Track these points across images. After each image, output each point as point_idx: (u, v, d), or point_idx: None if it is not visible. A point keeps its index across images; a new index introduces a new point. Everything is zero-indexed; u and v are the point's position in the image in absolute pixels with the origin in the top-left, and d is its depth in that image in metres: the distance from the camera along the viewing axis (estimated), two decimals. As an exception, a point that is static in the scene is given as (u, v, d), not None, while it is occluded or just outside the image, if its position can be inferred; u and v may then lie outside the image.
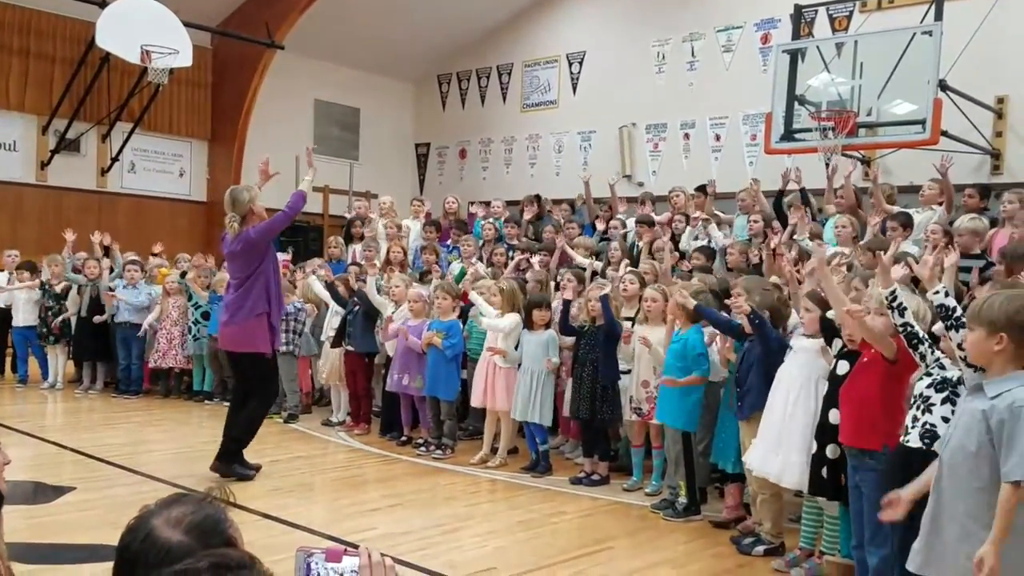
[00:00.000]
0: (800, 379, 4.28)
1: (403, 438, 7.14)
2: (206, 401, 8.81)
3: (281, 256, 7.35)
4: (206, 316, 8.86)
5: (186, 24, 10.70)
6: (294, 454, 6.47)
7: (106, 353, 9.27)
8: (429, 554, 4.39)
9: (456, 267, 8.72)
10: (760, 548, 4.58)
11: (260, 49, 11.94)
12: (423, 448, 6.79)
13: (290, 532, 4.64)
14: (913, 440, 3.07)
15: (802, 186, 7.86)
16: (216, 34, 12.23)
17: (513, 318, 6.41)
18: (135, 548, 1.47)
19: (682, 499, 5.24)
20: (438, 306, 6.84)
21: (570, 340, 6.22)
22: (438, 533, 4.79)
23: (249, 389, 5.98)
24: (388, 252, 8.94)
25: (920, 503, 2.98)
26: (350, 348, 7.47)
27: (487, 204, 10.24)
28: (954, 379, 3.02)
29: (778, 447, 4.31)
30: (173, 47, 10.36)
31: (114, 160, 12.12)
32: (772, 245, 6.48)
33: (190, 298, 8.99)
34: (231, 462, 5.76)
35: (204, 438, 7.29)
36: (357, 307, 7.56)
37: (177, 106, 12.60)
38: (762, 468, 4.39)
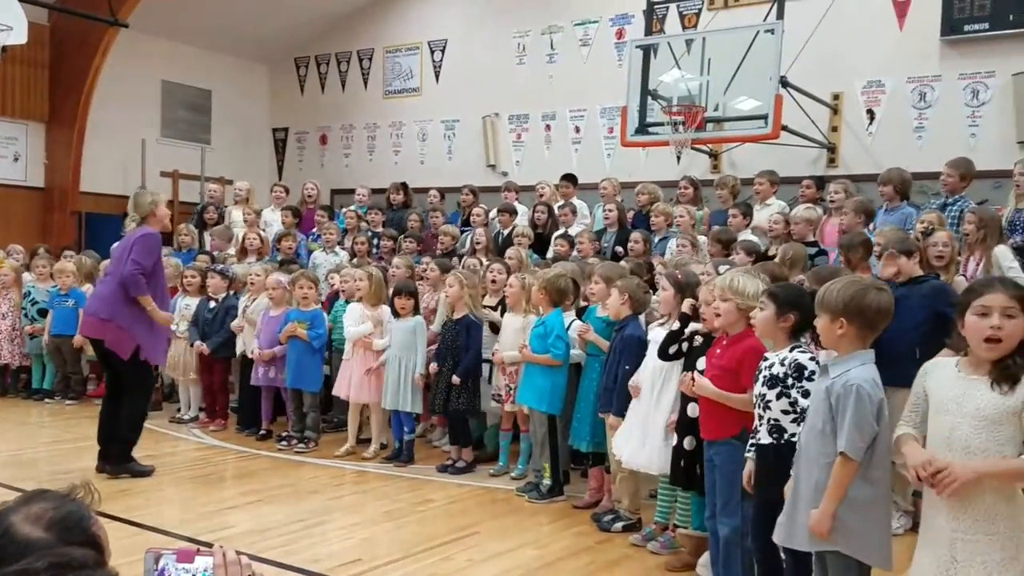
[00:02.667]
0: (663, 368, 4.36)
1: (262, 432, 6.95)
2: (47, 400, 8.29)
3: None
4: (43, 313, 8.34)
5: (20, -2, 9.96)
6: (143, 452, 6.17)
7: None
8: (292, 549, 4.32)
9: (318, 256, 8.56)
10: (619, 524, 4.77)
11: (102, 27, 11.24)
12: (284, 442, 6.64)
13: (141, 534, 4.44)
14: (764, 438, 3.23)
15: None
16: (54, 10, 11.44)
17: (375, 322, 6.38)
18: None
19: (546, 481, 5.36)
20: (301, 296, 6.70)
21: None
22: (301, 528, 4.71)
23: (122, 382, 5.79)
24: (244, 240, 8.68)
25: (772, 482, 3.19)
26: (205, 349, 7.24)
27: (354, 191, 10.17)
28: (780, 375, 3.19)
29: (644, 437, 4.41)
30: (6, 23, 9.62)
31: (-60, 143, 11.16)
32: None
33: (27, 294, 8.43)
34: (123, 462, 5.63)
35: (45, 438, 6.89)
36: (215, 306, 7.32)
37: (11, 86, 11.69)
38: (632, 460, 4.48)
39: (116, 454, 5.64)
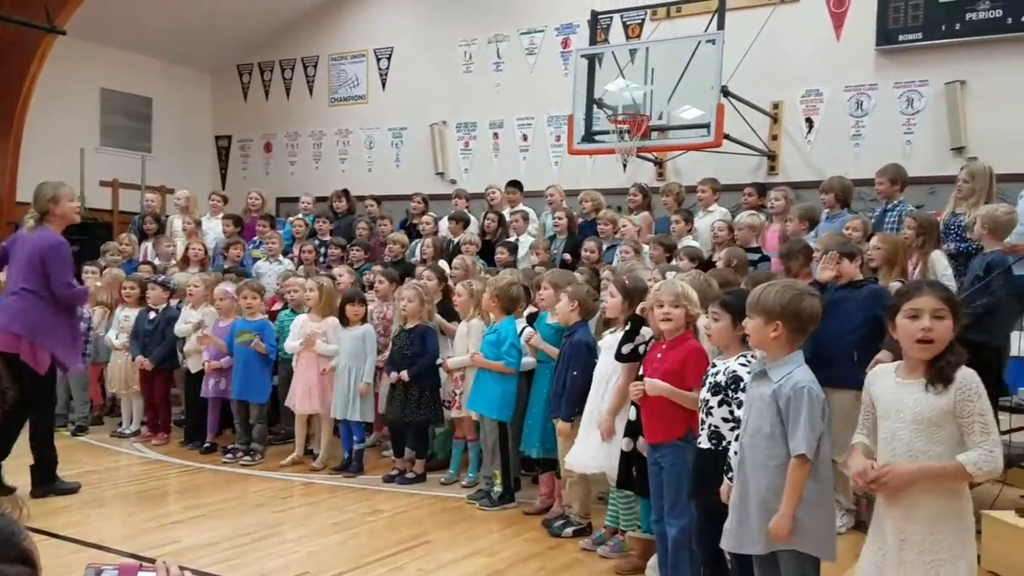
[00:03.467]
0: (607, 372, 4.42)
1: (206, 445, 6.82)
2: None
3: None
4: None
5: (-51, 2, 9.67)
6: (83, 468, 6.01)
7: None
8: (238, 564, 4.25)
9: (262, 265, 8.45)
10: (569, 530, 4.79)
11: (39, 34, 10.96)
12: (230, 455, 6.53)
13: (81, 551, 4.32)
14: (703, 442, 3.30)
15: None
16: (-14, 15, 11.13)
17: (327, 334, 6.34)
18: None
19: (497, 488, 5.36)
20: (246, 306, 6.61)
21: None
22: (248, 541, 4.63)
23: (27, 396, 5.47)
24: (187, 250, 8.52)
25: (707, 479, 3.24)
26: (147, 364, 7.08)
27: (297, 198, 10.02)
28: (722, 383, 3.25)
29: (586, 437, 4.47)
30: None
31: None
32: None
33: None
34: (48, 482, 5.43)
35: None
36: (156, 317, 7.18)
37: (-59, 93, 11.37)
38: (574, 461, 4.53)
39: (39, 477, 5.44)
